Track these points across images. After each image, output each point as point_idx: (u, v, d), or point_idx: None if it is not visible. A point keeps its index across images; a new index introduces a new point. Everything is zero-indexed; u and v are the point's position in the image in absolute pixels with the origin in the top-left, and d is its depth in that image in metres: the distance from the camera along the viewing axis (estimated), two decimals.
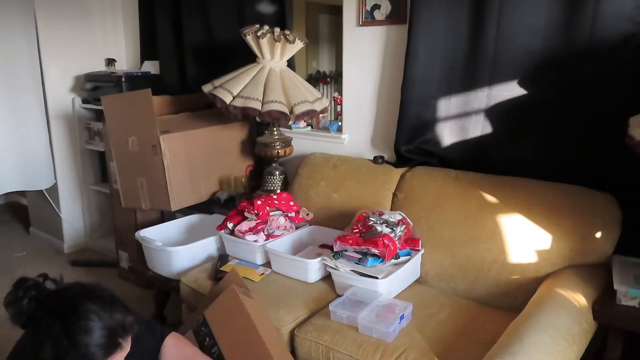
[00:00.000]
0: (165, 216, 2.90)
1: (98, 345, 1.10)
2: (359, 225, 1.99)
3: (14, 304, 1.15)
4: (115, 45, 3.75)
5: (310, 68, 4.72)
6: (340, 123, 2.75)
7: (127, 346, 1.18)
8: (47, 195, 3.61)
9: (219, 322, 1.68)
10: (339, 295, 1.92)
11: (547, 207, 1.85)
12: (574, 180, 1.89)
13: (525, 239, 1.86)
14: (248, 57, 2.56)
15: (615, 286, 1.53)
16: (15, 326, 1.17)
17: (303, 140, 2.84)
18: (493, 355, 1.33)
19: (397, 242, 1.90)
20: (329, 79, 4.70)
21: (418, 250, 2.01)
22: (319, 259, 2.00)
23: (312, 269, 2.02)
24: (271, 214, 2.28)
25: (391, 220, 1.99)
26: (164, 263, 2.36)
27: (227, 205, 2.66)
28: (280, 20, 2.77)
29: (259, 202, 2.26)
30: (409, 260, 1.95)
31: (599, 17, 1.78)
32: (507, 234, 1.89)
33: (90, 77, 3.41)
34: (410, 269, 1.98)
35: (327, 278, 2.03)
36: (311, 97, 2.55)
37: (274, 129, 2.65)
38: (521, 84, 2.00)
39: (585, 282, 1.65)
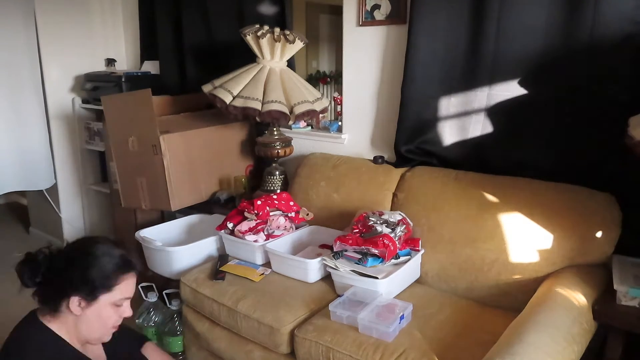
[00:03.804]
0: (165, 216, 2.90)
1: (114, 264, 1.33)
2: (359, 225, 1.99)
3: (30, 262, 1.34)
4: (115, 45, 3.75)
5: (310, 68, 4.72)
6: (340, 123, 2.75)
7: (136, 275, 1.39)
8: (47, 195, 3.61)
9: None
10: (339, 295, 1.92)
11: (547, 207, 1.85)
12: (574, 180, 1.89)
13: (525, 239, 1.85)
14: (248, 57, 2.56)
15: (615, 286, 1.53)
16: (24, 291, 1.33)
17: (303, 140, 2.84)
18: (493, 355, 1.33)
19: (397, 242, 1.90)
20: (329, 79, 4.70)
21: (418, 250, 2.01)
22: (319, 259, 2.00)
23: (312, 269, 2.02)
24: (271, 214, 2.28)
25: (391, 220, 1.99)
26: (164, 263, 2.36)
27: (227, 205, 2.66)
28: (280, 20, 2.77)
29: (259, 202, 2.26)
30: (409, 260, 1.95)
31: (599, 17, 1.78)
32: (507, 234, 1.89)
33: (90, 77, 3.41)
34: (410, 269, 1.98)
35: (327, 278, 2.03)
36: (311, 97, 2.55)
37: (274, 129, 2.65)
38: (521, 83, 2.00)
39: (585, 282, 1.65)
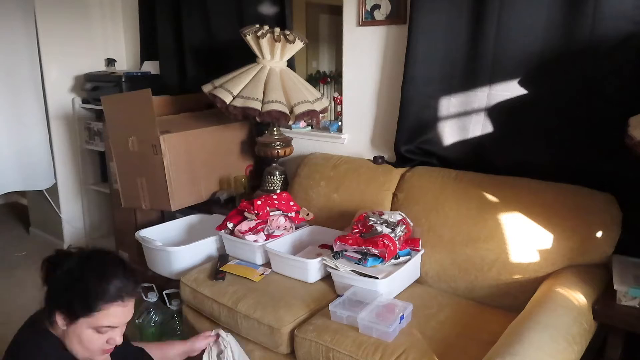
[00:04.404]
0: (165, 216, 2.90)
1: (102, 290, 1.26)
2: (359, 225, 1.99)
3: (52, 259, 1.30)
4: (115, 45, 3.75)
5: (310, 68, 4.72)
6: (340, 123, 2.75)
7: (128, 305, 1.31)
8: (47, 195, 3.61)
9: None
10: (339, 295, 1.92)
11: (548, 207, 1.85)
12: (574, 180, 1.89)
13: (525, 238, 1.85)
14: (248, 57, 2.56)
15: (615, 286, 1.53)
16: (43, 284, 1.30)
17: (303, 140, 2.84)
18: (493, 355, 1.33)
19: (397, 242, 1.90)
20: (329, 79, 4.69)
21: (418, 250, 2.01)
22: (319, 259, 2.00)
23: (312, 269, 2.02)
24: (271, 214, 2.28)
25: (391, 220, 1.99)
26: (164, 263, 2.36)
27: (227, 205, 2.66)
28: (280, 20, 2.77)
29: (259, 202, 2.26)
30: (409, 260, 1.95)
31: (599, 17, 1.78)
32: (507, 234, 1.89)
33: (90, 77, 3.41)
34: (410, 269, 1.98)
35: (327, 278, 2.03)
36: (311, 97, 2.55)
37: (274, 129, 2.65)
38: (521, 83, 2.00)
39: (585, 282, 1.65)
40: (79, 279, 1.25)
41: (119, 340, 1.31)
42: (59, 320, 1.26)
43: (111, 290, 1.26)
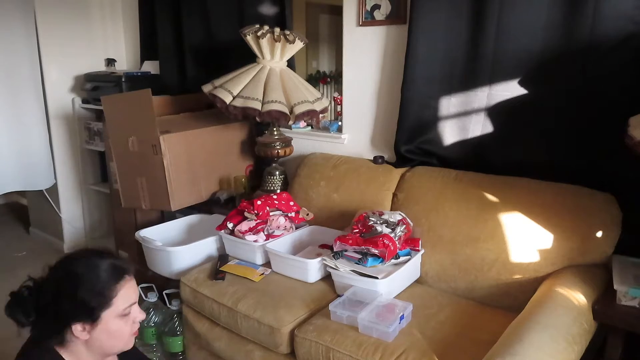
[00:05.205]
0: (165, 216, 2.90)
1: (105, 276, 1.21)
2: (359, 225, 1.99)
3: (18, 302, 1.20)
4: (115, 45, 3.75)
5: (310, 68, 4.72)
6: (340, 123, 2.75)
7: (133, 280, 1.27)
8: (47, 195, 3.61)
9: None
10: (339, 295, 1.92)
11: (547, 207, 1.85)
12: (574, 180, 1.89)
13: (525, 238, 1.85)
14: (248, 57, 2.56)
15: (615, 286, 1.53)
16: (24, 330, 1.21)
17: (303, 140, 2.84)
18: (493, 355, 1.33)
19: (397, 242, 1.90)
20: (329, 79, 4.70)
21: (418, 250, 2.01)
22: (319, 259, 2.00)
23: (312, 269, 2.02)
24: (271, 214, 2.28)
25: (391, 220, 1.99)
26: (164, 263, 2.36)
27: (227, 205, 2.66)
28: (280, 20, 2.77)
29: (259, 202, 2.26)
30: (409, 260, 1.95)
31: (599, 17, 1.78)
32: (507, 234, 1.89)
33: (90, 77, 3.41)
34: (410, 269, 1.98)
35: (327, 278, 2.03)
36: (311, 97, 2.55)
37: (274, 129, 2.65)
38: (521, 83, 2.00)
39: (585, 282, 1.65)
40: (76, 282, 1.19)
41: (141, 315, 1.28)
42: (78, 331, 1.19)
43: (112, 271, 1.23)
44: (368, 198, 2.30)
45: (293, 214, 2.34)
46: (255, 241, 2.20)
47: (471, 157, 2.18)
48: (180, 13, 3.16)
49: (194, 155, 2.63)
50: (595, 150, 1.87)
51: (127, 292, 1.24)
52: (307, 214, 2.37)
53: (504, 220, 1.90)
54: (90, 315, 1.19)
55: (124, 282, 1.24)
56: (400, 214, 2.05)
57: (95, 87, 3.34)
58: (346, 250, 1.93)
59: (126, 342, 1.28)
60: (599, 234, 1.76)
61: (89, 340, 1.21)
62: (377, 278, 1.81)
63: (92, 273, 1.20)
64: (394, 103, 2.36)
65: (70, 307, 1.17)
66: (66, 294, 1.18)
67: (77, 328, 1.19)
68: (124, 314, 1.23)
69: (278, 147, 2.61)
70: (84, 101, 3.51)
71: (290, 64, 2.69)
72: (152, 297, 2.39)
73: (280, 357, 1.86)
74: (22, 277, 1.27)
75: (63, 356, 1.22)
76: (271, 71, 2.51)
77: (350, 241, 1.91)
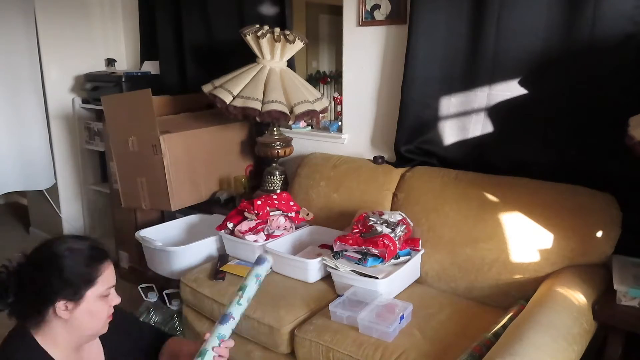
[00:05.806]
0: (165, 216, 2.90)
1: (88, 256, 1.26)
2: (359, 225, 1.99)
3: (18, 263, 1.26)
4: (115, 45, 3.75)
5: (310, 68, 4.72)
6: (340, 123, 2.75)
7: (112, 265, 1.31)
8: (47, 195, 3.61)
9: None
10: (339, 295, 1.92)
11: (547, 207, 1.85)
12: (574, 180, 1.89)
13: (525, 238, 1.85)
14: (248, 57, 2.56)
15: (615, 286, 1.53)
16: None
17: (303, 140, 2.84)
18: (493, 355, 1.33)
19: (397, 242, 1.90)
20: (329, 79, 4.70)
21: (418, 250, 2.01)
22: (319, 259, 2.00)
23: (312, 269, 2.02)
24: (271, 214, 2.28)
25: (391, 220, 1.99)
26: (164, 263, 2.36)
27: (227, 205, 2.66)
28: (280, 21, 2.77)
29: (259, 202, 2.26)
30: (409, 260, 1.95)
31: (599, 17, 1.78)
32: (507, 234, 1.89)
33: (90, 77, 3.41)
34: (410, 269, 1.98)
35: (327, 278, 2.03)
36: (311, 97, 2.55)
37: (274, 129, 2.65)
38: (521, 83, 2.00)
39: (585, 282, 1.65)
40: (61, 261, 1.23)
41: (117, 299, 1.34)
42: (61, 310, 1.23)
43: (94, 253, 1.28)
44: (368, 198, 2.30)
45: (293, 214, 2.34)
46: (255, 241, 2.20)
47: (471, 157, 2.18)
48: (180, 13, 3.16)
49: (194, 155, 2.63)
50: (595, 150, 1.87)
51: (108, 274, 1.30)
52: (307, 214, 2.37)
53: (504, 220, 1.90)
54: (76, 292, 1.23)
55: (107, 263, 1.29)
56: (400, 214, 2.05)
57: (95, 87, 3.34)
58: (346, 250, 1.93)
59: (104, 324, 1.32)
60: (599, 234, 1.76)
61: (69, 320, 1.25)
62: (377, 278, 1.81)
63: (77, 253, 1.26)
64: (394, 103, 2.36)
65: (57, 284, 1.22)
66: (51, 272, 1.22)
67: (60, 306, 1.22)
68: (104, 294, 1.28)
69: (278, 147, 2.61)
70: (84, 101, 3.51)
71: (290, 64, 2.69)
72: (152, 297, 2.39)
73: (280, 357, 1.86)
74: None
75: (38, 340, 1.26)
76: (271, 71, 2.51)
77: (350, 241, 1.91)
